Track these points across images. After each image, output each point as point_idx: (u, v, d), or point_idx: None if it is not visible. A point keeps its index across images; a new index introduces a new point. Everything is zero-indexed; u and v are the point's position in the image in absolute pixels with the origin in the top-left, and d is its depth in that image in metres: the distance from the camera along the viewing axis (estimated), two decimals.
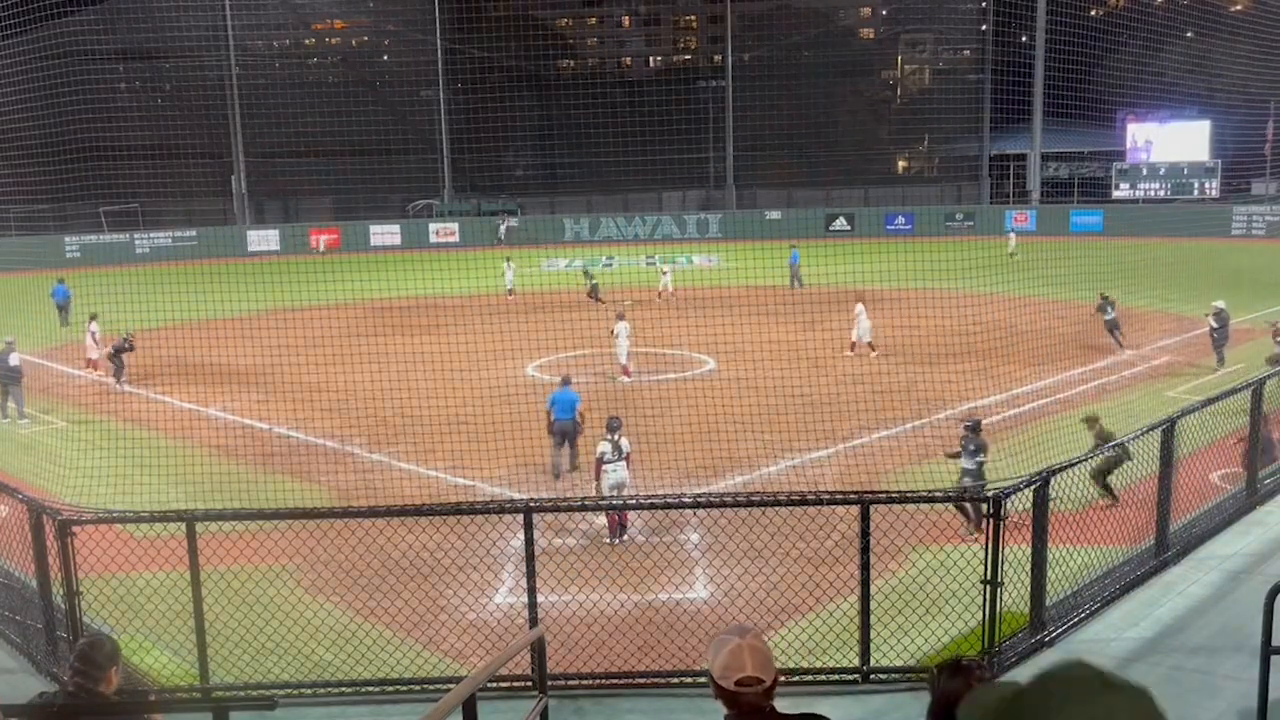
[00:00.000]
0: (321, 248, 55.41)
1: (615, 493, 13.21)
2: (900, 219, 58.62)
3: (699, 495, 12.98)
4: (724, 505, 10.65)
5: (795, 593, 9.26)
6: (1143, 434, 10.51)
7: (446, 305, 30.24)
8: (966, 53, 71.95)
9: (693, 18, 79.82)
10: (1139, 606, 9.25)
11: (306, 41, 75.31)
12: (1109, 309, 24.61)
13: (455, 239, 57.58)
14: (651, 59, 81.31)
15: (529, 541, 8.14)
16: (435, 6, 63.00)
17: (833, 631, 8.75)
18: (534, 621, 8.10)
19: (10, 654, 9.03)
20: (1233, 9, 58.75)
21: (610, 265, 45.61)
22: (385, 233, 57.86)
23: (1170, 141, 57.22)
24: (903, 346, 23.27)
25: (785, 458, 16.71)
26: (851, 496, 9.10)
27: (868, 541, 8.16)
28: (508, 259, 38.97)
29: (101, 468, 14.70)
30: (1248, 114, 54.86)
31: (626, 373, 22.98)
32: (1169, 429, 10.20)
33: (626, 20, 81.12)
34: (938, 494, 11.13)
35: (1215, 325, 22.62)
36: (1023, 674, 1.58)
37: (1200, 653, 8.23)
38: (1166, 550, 10.12)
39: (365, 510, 10.57)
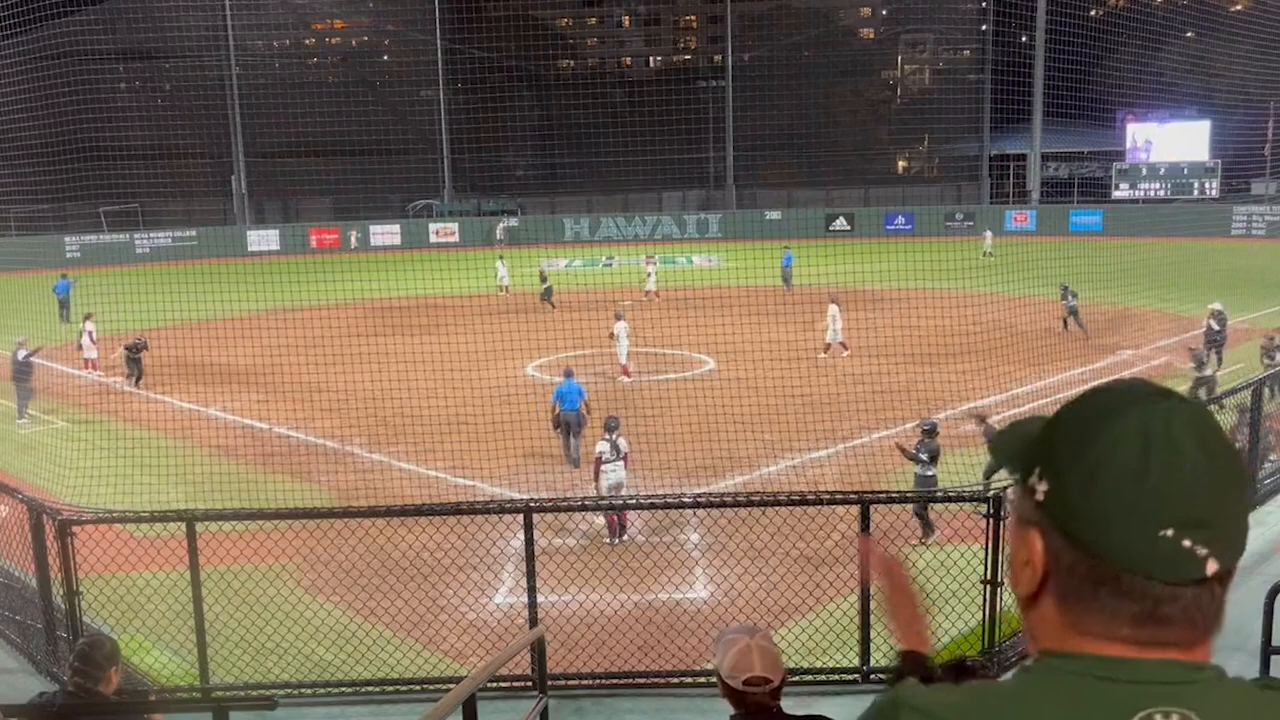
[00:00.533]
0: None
1: (613, 493, 13.22)
2: (900, 219, 58.62)
3: (699, 495, 12.98)
4: (724, 505, 10.66)
5: (795, 593, 9.26)
6: None
7: (446, 305, 30.26)
8: (966, 53, 71.96)
9: (693, 18, 79.82)
10: None
11: (306, 41, 75.30)
12: (1070, 298, 26.39)
13: (455, 239, 57.58)
14: (651, 59, 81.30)
15: (529, 541, 8.14)
16: (435, 6, 63.01)
17: (833, 631, 8.75)
18: (534, 621, 8.10)
19: (10, 654, 9.03)
20: (1233, 9, 58.77)
21: (610, 265, 45.60)
22: (385, 232, 57.89)
23: (1170, 141, 57.21)
24: (903, 346, 23.28)
25: (785, 458, 16.72)
26: (851, 496, 9.11)
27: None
28: (500, 257, 39.01)
29: (101, 468, 14.72)
30: (1247, 114, 54.88)
31: (627, 373, 22.99)
32: None
33: (626, 20, 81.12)
34: (938, 494, 11.14)
35: (1216, 327, 22.64)
36: None
37: None
38: None
39: (365, 510, 10.58)
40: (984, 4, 66.73)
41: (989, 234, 45.80)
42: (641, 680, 8.38)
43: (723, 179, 66.08)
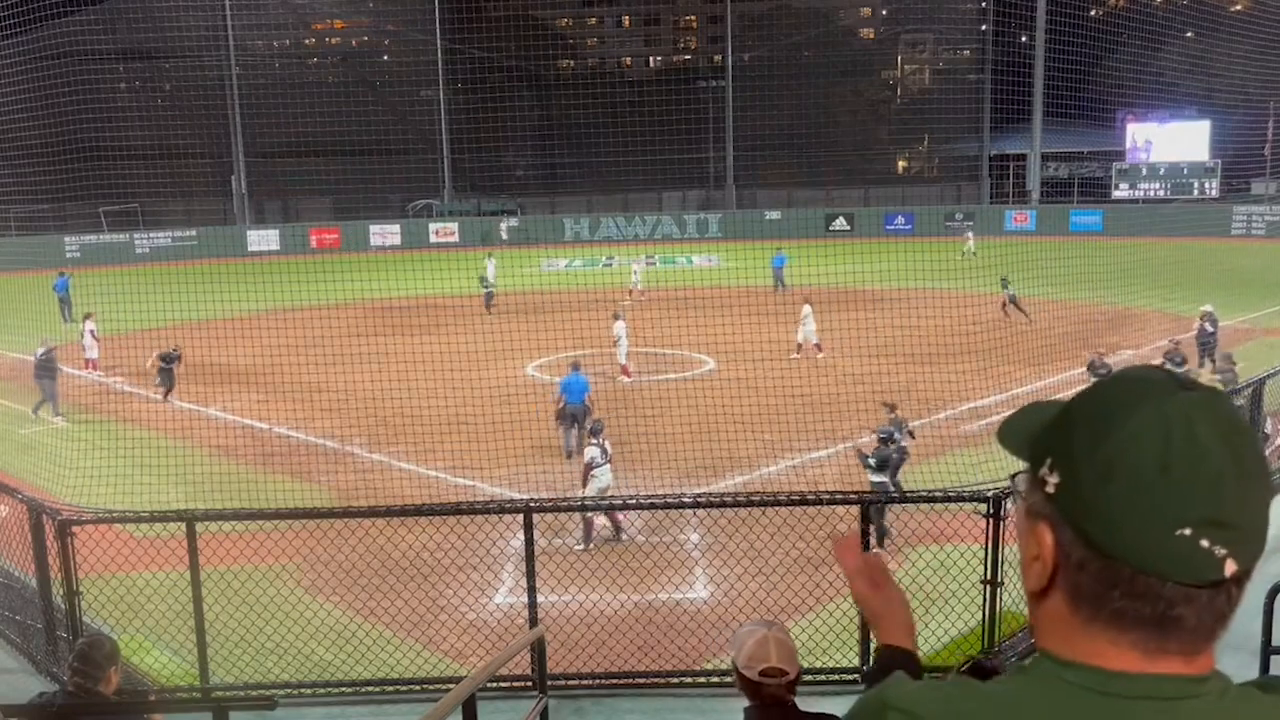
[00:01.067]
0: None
1: (601, 495, 13.34)
2: (900, 219, 58.64)
3: (699, 495, 12.98)
4: (724, 505, 10.66)
5: (795, 593, 9.26)
6: None
7: (447, 305, 30.27)
8: (966, 53, 71.96)
9: (693, 18, 79.81)
10: None
11: (306, 41, 75.32)
12: (1007, 286, 27.90)
13: (455, 239, 57.58)
14: (651, 59, 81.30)
15: (529, 541, 8.14)
16: (435, 6, 63.02)
17: (833, 631, 8.75)
18: (534, 621, 8.10)
19: (10, 654, 9.02)
20: (1232, 9, 58.78)
21: (610, 265, 45.60)
22: (385, 232, 57.88)
23: (1170, 141, 57.21)
24: (903, 346, 23.29)
25: (785, 458, 16.72)
26: (851, 496, 9.11)
27: (867, 542, 8.17)
28: (489, 255, 38.92)
29: (101, 468, 14.72)
30: (1247, 114, 54.88)
31: (627, 373, 22.99)
32: None
33: (626, 20, 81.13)
34: (938, 494, 11.13)
35: (1210, 329, 22.66)
36: None
37: None
38: None
39: (365, 510, 10.57)
40: (984, 4, 66.73)
41: (970, 234, 45.83)
42: (641, 680, 8.37)
43: (722, 179, 66.09)
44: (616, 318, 23.52)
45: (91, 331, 24.70)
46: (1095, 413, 1.21)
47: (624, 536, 12.99)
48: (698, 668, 8.67)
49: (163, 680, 8.87)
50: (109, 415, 21.06)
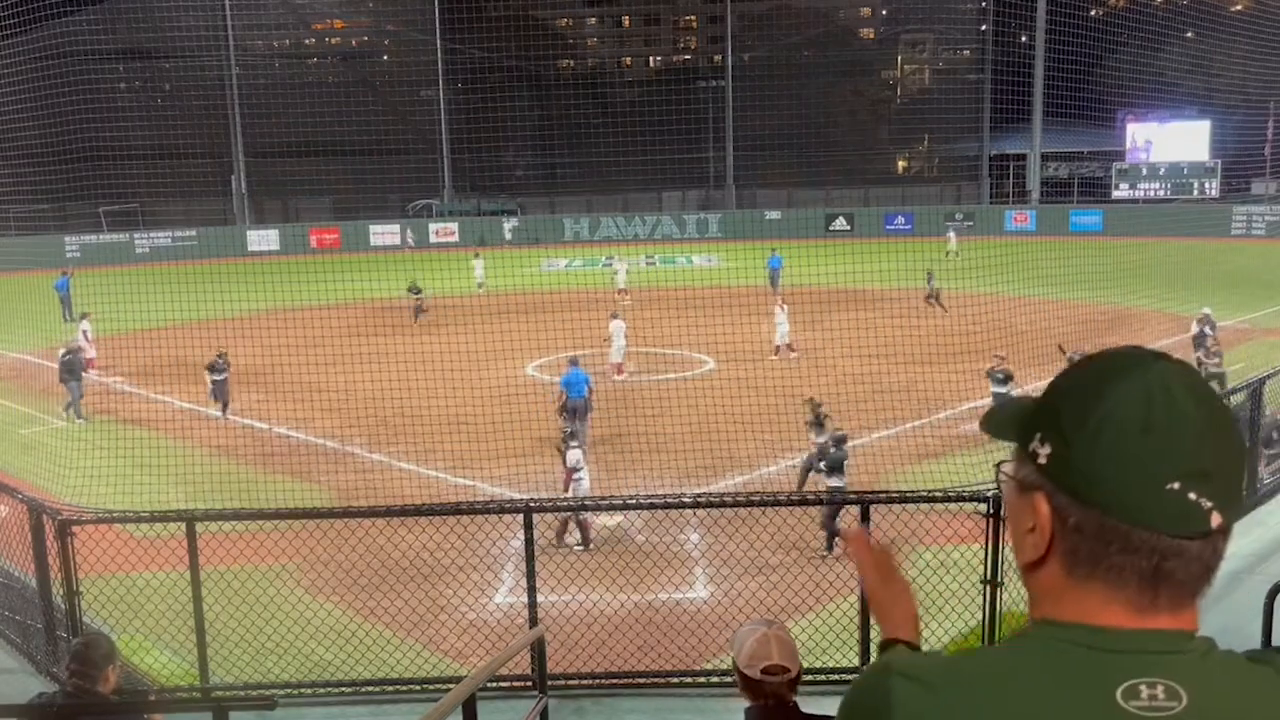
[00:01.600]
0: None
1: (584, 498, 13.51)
2: (900, 219, 58.61)
3: (699, 495, 12.98)
4: (724, 505, 10.65)
5: (795, 593, 9.26)
6: None
7: (446, 305, 30.27)
8: (966, 53, 71.94)
9: (693, 18, 79.77)
10: None
11: (306, 41, 75.30)
12: (931, 280, 29.30)
13: (455, 239, 57.57)
14: (651, 59, 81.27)
15: (529, 541, 8.14)
16: (435, 6, 63.00)
17: (832, 631, 8.75)
18: (534, 621, 8.10)
19: (10, 654, 9.02)
20: (1233, 9, 58.76)
21: (610, 265, 45.56)
22: (385, 232, 57.86)
23: (1170, 141, 57.19)
24: (903, 346, 23.28)
25: (785, 458, 16.71)
26: (851, 496, 9.11)
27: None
28: (477, 255, 38.86)
29: (101, 468, 14.72)
30: (1247, 114, 54.88)
31: (620, 371, 22.99)
32: None
33: (626, 20, 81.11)
34: (937, 494, 11.12)
35: (1208, 332, 22.63)
36: None
37: None
38: None
39: (365, 510, 10.57)
40: (984, 4, 66.70)
41: (952, 234, 45.81)
42: (642, 680, 8.37)
43: (722, 179, 66.06)
44: (614, 317, 23.53)
45: (84, 331, 24.70)
46: (1081, 385, 1.30)
47: (591, 547, 12.92)
48: (698, 668, 8.67)
49: (163, 680, 8.87)
50: (109, 415, 21.05)
